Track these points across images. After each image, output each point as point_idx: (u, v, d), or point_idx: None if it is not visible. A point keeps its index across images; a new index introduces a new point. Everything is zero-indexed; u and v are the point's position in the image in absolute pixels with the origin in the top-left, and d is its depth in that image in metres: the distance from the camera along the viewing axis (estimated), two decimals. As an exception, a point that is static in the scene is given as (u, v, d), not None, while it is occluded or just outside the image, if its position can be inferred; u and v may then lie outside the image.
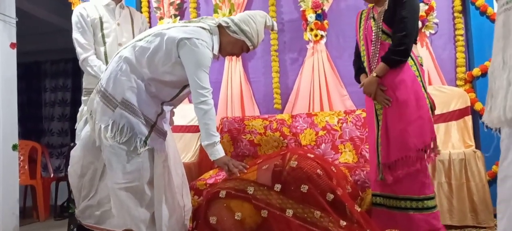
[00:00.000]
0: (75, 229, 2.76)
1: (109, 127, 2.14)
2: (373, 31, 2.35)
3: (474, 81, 3.38)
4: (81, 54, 2.73)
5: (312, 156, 2.26)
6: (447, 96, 3.29)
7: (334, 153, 3.22)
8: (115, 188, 2.20)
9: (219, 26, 2.24)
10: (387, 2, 2.33)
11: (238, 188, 2.13)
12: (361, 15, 2.53)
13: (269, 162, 2.24)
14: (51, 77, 6.49)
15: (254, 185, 2.11)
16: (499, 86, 0.89)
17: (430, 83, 3.40)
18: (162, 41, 2.13)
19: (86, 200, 2.60)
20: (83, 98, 2.82)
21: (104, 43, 2.78)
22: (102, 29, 2.77)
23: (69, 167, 2.63)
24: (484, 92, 3.25)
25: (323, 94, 3.57)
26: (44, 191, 4.51)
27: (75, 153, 2.63)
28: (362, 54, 2.46)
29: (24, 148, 4.39)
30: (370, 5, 2.47)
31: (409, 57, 2.27)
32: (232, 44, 2.25)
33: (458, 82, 3.43)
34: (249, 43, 2.24)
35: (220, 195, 2.13)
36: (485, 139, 3.21)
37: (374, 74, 2.29)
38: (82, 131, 2.72)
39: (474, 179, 2.81)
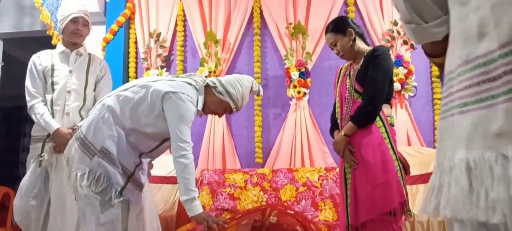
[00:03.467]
0: None
1: (86, 175, 2.09)
2: (347, 89, 2.40)
3: (452, 144, 3.45)
4: (28, 101, 2.72)
5: (291, 212, 2.25)
6: (426, 157, 3.34)
7: (314, 209, 3.19)
8: None
9: (206, 86, 2.29)
10: (362, 60, 2.39)
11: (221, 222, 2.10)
12: (340, 71, 2.56)
13: (248, 217, 2.21)
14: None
15: None
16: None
17: (409, 144, 3.46)
18: (147, 93, 2.14)
19: None
20: (30, 146, 2.78)
21: (53, 90, 2.76)
22: (52, 76, 2.77)
23: (14, 216, 2.63)
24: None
25: (305, 150, 3.60)
26: (14, 240, 4.33)
27: (16, 204, 2.63)
28: (337, 111, 2.50)
29: (-3, 193, 4.25)
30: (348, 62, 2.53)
31: (378, 119, 2.28)
32: (216, 104, 2.27)
33: (437, 144, 3.49)
34: (233, 106, 2.27)
35: None
36: (463, 201, 3.23)
37: (343, 133, 2.30)
38: (23, 179, 2.70)
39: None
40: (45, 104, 2.72)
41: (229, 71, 3.87)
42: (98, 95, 2.87)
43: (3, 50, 4.16)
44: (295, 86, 3.70)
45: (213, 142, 3.75)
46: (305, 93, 3.69)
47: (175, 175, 3.47)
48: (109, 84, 2.95)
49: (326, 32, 2.45)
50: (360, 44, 2.40)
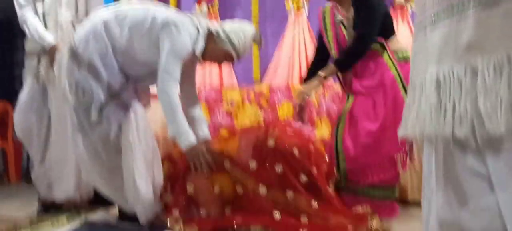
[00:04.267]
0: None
1: (73, 87, 2.12)
2: (347, 40, 2.32)
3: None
4: (19, 13, 2.58)
5: (291, 132, 2.24)
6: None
7: (310, 127, 3.22)
8: (81, 153, 2.19)
9: (208, 33, 2.19)
10: (350, 4, 2.29)
11: (217, 161, 2.12)
12: (324, 15, 2.46)
13: (250, 135, 2.22)
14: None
15: (230, 162, 2.11)
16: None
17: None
18: (147, 17, 2.10)
19: (36, 168, 2.62)
20: (25, 61, 2.72)
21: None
22: None
23: (16, 132, 2.64)
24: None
25: (303, 66, 3.56)
26: (16, 154, 4.42)
27: (16, 119, 2.63)
28: (332, 55, 2.42)
29: (-5, 108, 4.27)
30: (330, 3, 2.41)
31: (387, 57, 2.25)
32: (217, 52, 2.20)
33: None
34: (234, 55, 2.20)
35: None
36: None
37: (323, 74, 2.28)
38: (21, 95, 2.67)
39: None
40: (37, 14, 2.60)
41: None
42: (89, 6, 2.74)
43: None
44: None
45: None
46: (303, 4, 3.55)
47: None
48: None
49: None
50: None
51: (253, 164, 2.09)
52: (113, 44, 2.12)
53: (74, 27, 2.65)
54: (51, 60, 2.58)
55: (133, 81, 2.23)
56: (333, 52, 2.39)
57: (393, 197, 2.35)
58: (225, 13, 3.76)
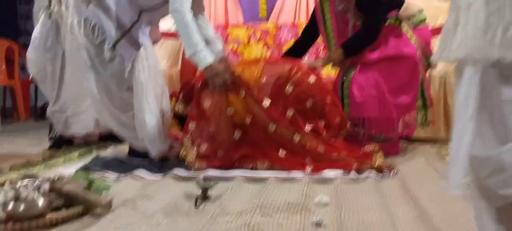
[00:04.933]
0: (57, 134, 2.78)
1: (82, 23, 2.08)
2: (351, 23, 2.33)
3: (464, -4, 3.31)
4: None
5: (312, 81, 2.20)
6: (433, 11, 3.20)
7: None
8: (93, 91, 2.20)
9: None
10: None
11: (235, 83, 2.11)
12: (322, 5, 2.41)
13: (272, 71, 2.21)
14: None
15: (247, 90, 2.10)
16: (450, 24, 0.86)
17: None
18: None
19: (51, 105, 2.63)
20: None
21: None
22: None
23: (29, 69, 2.63)
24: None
25: (310, 4, 3.48)
26: (23, 92, 4.46)
27: (29, 57, 2.61)
28: (330, 47, 2.41)
29: (0, 47, 4.25)
30: None
31: (407, 28, 2.28)
32: None
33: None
34: None
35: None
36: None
37: (331, 58, 2.34)
38: (34, 32, 2.64)
39: (451, 94, 2.86)
40: None
41: None
42: None
43: None
44: None
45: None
46: None
47: (176, 31, 3.43)
48: None
49: None
50: None
51: (266, 102, 2.09)
52: None
53: None
54: None
55: (144, 15, 2.19)
56: (332, 42, 2.38)
57: (395, 140, 2.39)
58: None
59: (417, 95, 2.36)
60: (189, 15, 2.01)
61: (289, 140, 2.05)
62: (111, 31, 2.09)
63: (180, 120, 2.30)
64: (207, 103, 2.10)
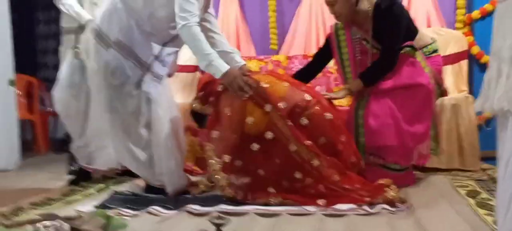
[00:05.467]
0: (76, 165, 2.86)
1: (102, 68, 2.15)
2: (369, 51, 2.34)
3: (473, 24, 3.34)
4: None
5: (329, 117, 2.17)
6: (444, 39, 3.25)
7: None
8: (111, 129, 2.26)
9: None
10: (371, 19, 2.29)
11: (261, 95, 2.09)
12: (337, 33, 2.45)
13: (292, 97, 2.16)
14: (43, 9, 6.33)
15: (272, 105, 2.08)
16: (491, 76, 0.86)
17: (429, 26, 3.36)
18: None
19: (76, 140, 2.70)
20: (63, 38, 2.79)
21: None
22: None
23: (55, 107, 2.72)
24: (482, 35, 3.24)
25: (320, 35, 3.54)
26: (43, 125, 4.59)
27: (56, 94, 2.71)
28: (346, 74, 2.45)
29: (20, 82, 4.39)
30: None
31: (421, 58, 2.29)
32: None
33: (457, 25, 3.39)
34: None
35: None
36: (478, 83, 3.21)
37: (349, 87, 2.35)
38: (60, 71, 2.75)
39: (464, 124, 2.87)
40: None
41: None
42: None
43: None
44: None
45: (227, 28, 3.69)
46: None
47: (191, 64, 3.52)
48: None
49: None
50: (361, 3, 2.27)
51: (289, 122, 2.08)
52: (135, 16, 2.14)
53: None
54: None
55: (164, 49, 2.25)
56: (348, 69, 2.42)
57: (409, 168, 2.40)
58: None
59: (431, 125, 2.37)
60: (197, 28, 2.04)
61: (308, 162, 2.05)
62: (134, 70, 2.16)
63: (196, 117, 2.31)
64: (227, 110, 2.10)
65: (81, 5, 2.66)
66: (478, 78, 3.23)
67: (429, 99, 2.31)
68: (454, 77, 3.20)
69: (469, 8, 3.38)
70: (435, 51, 2.48)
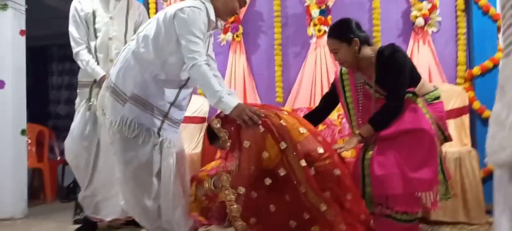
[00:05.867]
0: (82, 214, 2.89)
1: (117, 122, 2.21)
2: (373, 96, 2.38)
3: (473, 80, 3.42)
4: (74, 48, 2.81)
5: (337, 174, 2.15)
6: (446, 94, 3.31)
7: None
8: (123, 180, 2.30)
9: None
10: (374, 66, 2.35)
11: (279, 131, 2.10)
12: (342, 77, 2.51)
13: (309, 145, 2.16)
14: (58, 61, 6.58)
15: (288, 143, 2.08)
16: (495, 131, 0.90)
17: (430, 81, 3.45)
18: (160, 22, 2.19)
19: (83, 190, 2.76)
20: (78, 90, 2.92)
21: (96, 37, 2.82)
22: (94, 23, 2.82)
23: (65, 156, 2.78)
24: (483, 91, 3.32)
25: (325, 89, 3.61)
26: (51, 174, 4.64)
27: (67, 145, 2.78)
28: (351, 117, 2.49)
29: (31, 131, 4.49)
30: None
31: (422, 105, 2.33)
32: (225, 2, 2.24)
33: (458, 80, 3.48)
34: None
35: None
36: (481, 137, 3.27)
37: (358, 133, 2.33)
38: (73, 122, 2.84)
39: (468, 177, 2.89)
40: (89, 51, 2.81)
41: (248, 11, 3.84)
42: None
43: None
44: (315, 25, 3.66)
45: (234, 82, 3.81)
46: (325, 31, 3.64)
47: (198, 115, 3.61)
48: None
49: (328, 36, 2.39)
50: (364, 50, 2.35)
51: (303, 162, 2.08)
52: (149, 69, 2.21)
53: None
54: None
55: (181, 92, 2.33)
56: (352, 112, 2.46)
57: (417, 220, 2.39)
58: (249, 40, 3.89)
59: (437, 170, 2.36)
60: (206, 67, 2.11)
61: (316, 206, 2.05)
62: (152, 120, 2.22)
63: (210, 133, 2.29)
64: (247, 142, 2.10)
65: (97, 61, 2.81)
66: (481, 132, 3.29)
67: (433, 144, 2.31)
68: (456, 131, 3.26)
69: (470, 64, 3.48)
70: (437, 98, 2.52)
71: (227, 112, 2.10)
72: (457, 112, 3.30)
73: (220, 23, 2.34)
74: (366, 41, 2.38)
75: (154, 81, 2.23)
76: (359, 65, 2.41)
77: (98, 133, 2.81)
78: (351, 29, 2.35)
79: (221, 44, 3.86)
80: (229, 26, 3.79)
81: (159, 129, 2.25)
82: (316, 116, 2.70)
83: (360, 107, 2.43)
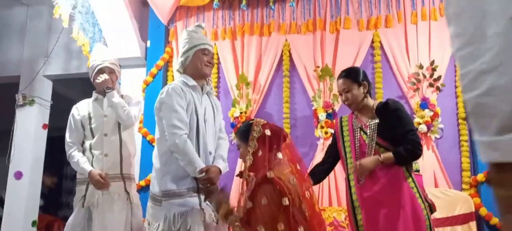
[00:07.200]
0: None
1: (161, 222, 2.33)
2: (367, 144, 2.44)
3: (479, 186, 3.46)
4: (67, 151, 3.02)
5: None
6: (452, 200, 3.37)
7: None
8: None
9: (180, 65, 2.57)
10: (374, 114, 2.47)
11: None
12: (341, 122, 2.63)
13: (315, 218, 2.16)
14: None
15: (293, 199, 2.06)
16: None
17: (436, 186, 3.50)
18: (159, 118, 2.48)
19: None
20: (76, 188, 3.05)
21: (93, 136, 3.02)
22: (90, 123, 3.04)
23: None
24: (489, 197, 3.33)
25: (332, 189, 3.69)
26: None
27: None
28: (347, 160, 2.54)
29: (42, 222, 4.56)
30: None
31: (406, 173, 2.36)
32: (194, 63, 2.53)
33: (464, 186, 3.52)
34: (197, 44, 2.52)
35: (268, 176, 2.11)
36: (490, 245, 3.24)
37: (380, 159, 2.34)
38: (69, 218, 2.96)
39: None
40: (80, 151, 3.00)
41: (259, 111, 4.05)
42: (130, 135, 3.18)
43: (53, 89, 4.50)
44: (322, 127, 3.83)
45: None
46: (331, 133, 3.80)
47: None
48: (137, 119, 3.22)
49: (340, 77, 2.57)
50: (368, 99, 2.54)
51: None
52: (167, 158, 2.40)
53: (120, 153, 3.02)
54: (94, 184, 2.89)
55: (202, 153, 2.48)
56: (349, 155, 2.53)
57: None
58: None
59: None
60: (183, 141, 2.33)
61: None
62: (191, 201, 2.35)
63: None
64: (264, 200, 2.09)
65: (92, 155, 2.97)
66: (489, 239, 3.26)
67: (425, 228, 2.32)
68: (464, 238, 3.24)
69: (474, 170, 3.55)
70: (417, 171, 2.59)
71: (196, 176, 2.34)
72: (463, 218, 3.30)
73: (209, 86, 2.64)
74: (370, 92, 2.55)
75: (176, 167, 2.39)
76: (361, 111, 2.53)
77: (91, 228, 2.90)
78: (363, 73, 2.56)
79: (232, 143, 4.01)
80: (240, 127, 3.97)
81: (200, 203, 2.37)
82: (319, 172, 2.73)
83: (356, 151, 2.49)
